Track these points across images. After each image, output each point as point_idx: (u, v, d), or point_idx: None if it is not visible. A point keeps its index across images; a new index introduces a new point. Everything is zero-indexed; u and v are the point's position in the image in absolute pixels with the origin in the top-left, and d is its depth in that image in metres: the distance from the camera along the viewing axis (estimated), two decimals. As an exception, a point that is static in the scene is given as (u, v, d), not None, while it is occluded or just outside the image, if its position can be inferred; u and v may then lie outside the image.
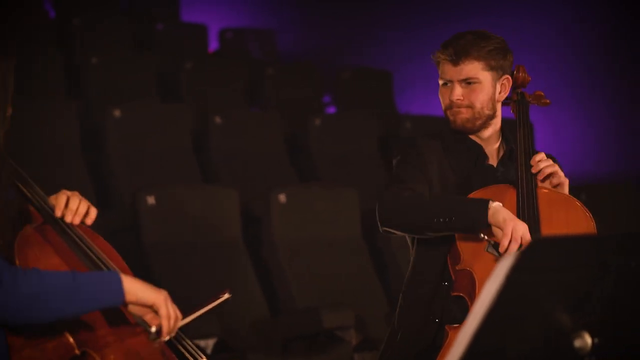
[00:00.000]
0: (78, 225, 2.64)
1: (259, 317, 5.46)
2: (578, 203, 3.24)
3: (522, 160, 3.24)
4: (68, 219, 2.62)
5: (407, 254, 3.34)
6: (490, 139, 3.31)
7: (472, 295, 3.07)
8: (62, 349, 2.47)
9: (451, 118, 3.26)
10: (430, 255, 3.23)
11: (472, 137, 3.30)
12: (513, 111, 3.38)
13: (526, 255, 1.90)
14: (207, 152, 6.90)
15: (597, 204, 5.24)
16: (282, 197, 5.73)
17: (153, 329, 2.45)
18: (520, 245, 2.98)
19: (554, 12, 8.36)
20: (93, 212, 2.68)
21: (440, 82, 3.28)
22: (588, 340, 2.00)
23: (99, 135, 6.58)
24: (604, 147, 8.13)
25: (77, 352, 2.48)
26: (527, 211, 3.15)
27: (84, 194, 2.72)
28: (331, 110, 8.86)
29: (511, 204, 3.13)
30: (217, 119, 6.91)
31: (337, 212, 5.95)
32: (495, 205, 3.02)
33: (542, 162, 3.23)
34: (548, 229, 3.16)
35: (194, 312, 2.60)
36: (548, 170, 3.23)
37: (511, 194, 3.19)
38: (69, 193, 2.67)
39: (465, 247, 3.11)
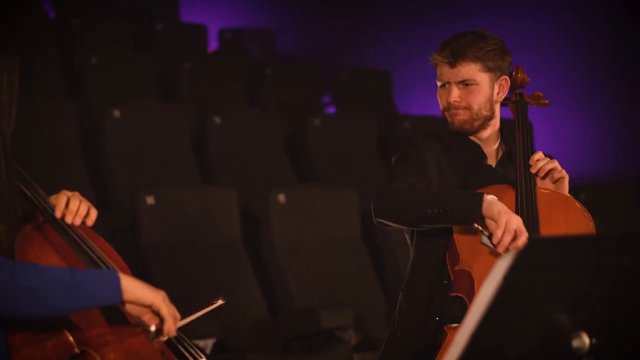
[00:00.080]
0: (78, 226, 2.64)
1: (259, 317, 5.46)
2: (577, 204, 3.24)
3: (521, 161, 3.25)
4: (68, 220, 2.62)
5: (406, 254, 3.34)
6: (489, 140, 3.32)
7: (471, 296, 3.07)
8: (61, 348, 2.48)
9: (449, 119, 3.27)
10: (428, 247, 3.24)
11: (471, 137, 3.30)
12: (512, 112, 3.39)
13: (524, 255, 1.90)
14: (207, 152, 6.90)
15: (597, 204, 5.25)
16: (282, 197, 5.74)
17: (152, 328, 2.46)
18: (514, 237, 2.98)
19: (554, 12, 8.37)
20: (93, 214, 2.68)
21: (438, 83, 3.28)
22: (586, 340, 2.00)
23: (98, 136, 6.58)
24: (604, 147, 8.13)
25: (76, 350, 2.48)
26: (527, 211, 3.15)
27: (84, 194, 2.72)
28: (331, 110, 8.87)
29: (510, 204, 3.13)
30: (217, 119, 6.91)
31: (336, 212, 5.95)
32: (489, 198, 3.03)
33: (540, 161, 3.24)
34: (547, 230, 3.17)
35: (188, 316, 2.60)
36: (548, 167, 3.24)
37: (510, 194, 3.20)
38: (69, 194, 2.67)
39: (464, 248, 3.12)
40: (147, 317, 2.47)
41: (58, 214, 2.62)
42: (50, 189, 2.70)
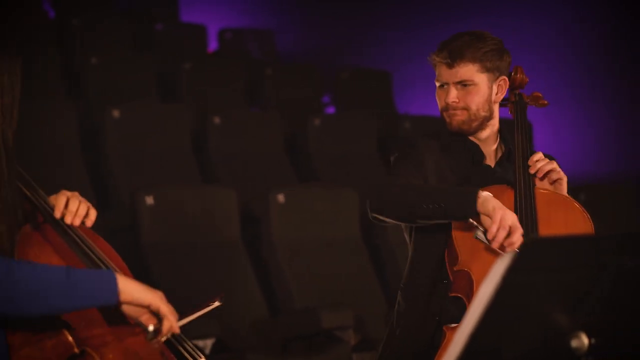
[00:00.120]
0: (78, 226, 2.64)
1: (258, 317, 5.46)
2: (576, 204, 3.24)
3: (519, 162, 3.24)
4: (68, 220, 2.62)
5: (406, 254, 3.34)
6: (488, 140, 3.32)
7: (470, 296, 3.07)
8: (61, 348, 2.48)
9: (447, 120, 3.27)
10: (427, 246, 3.24)
11: (471, 137, 3.30)
12: (511, 112, 3.38)
13: (523, 255, 1.90)
14: (207, 152, 6.90)
15: (597, 204, 5.26)
16: (281, 197, 5.74)
17: (151, 328, 2.45)
18: (509, 233, 2.98)
19: (554, 12, 8.37)
20: (93, 214, 2.67)
21: (437, 83, 3.28)
22: (585, 340, 2.00)
23: (98, 136, 6.58)
24: (604, 147, 8.13)
25: (76, 350, 2.48)
26: (526, 212, 3.15)
27: (83, 194, 2.72)
28: (330, 110, 8.87)
29: (509, 204, 3.13)
30: (217, 119, 6.91)
31: (336, 212, 5.95)
32: (484, 194, 3.03)
33: (539, 162, 3.24)
34: (546, 230, 3.17)
35: (184, 317, 2.60)
36: (546, 168, 3.24)
37: (509, 194, 3.20)
38: (68, 194, 2.67)
39: (463, 248, 3.12)
40: (144, 317, 2.47)
41: (57, 214, 2.62)
42: (50, 189, 2.70)
